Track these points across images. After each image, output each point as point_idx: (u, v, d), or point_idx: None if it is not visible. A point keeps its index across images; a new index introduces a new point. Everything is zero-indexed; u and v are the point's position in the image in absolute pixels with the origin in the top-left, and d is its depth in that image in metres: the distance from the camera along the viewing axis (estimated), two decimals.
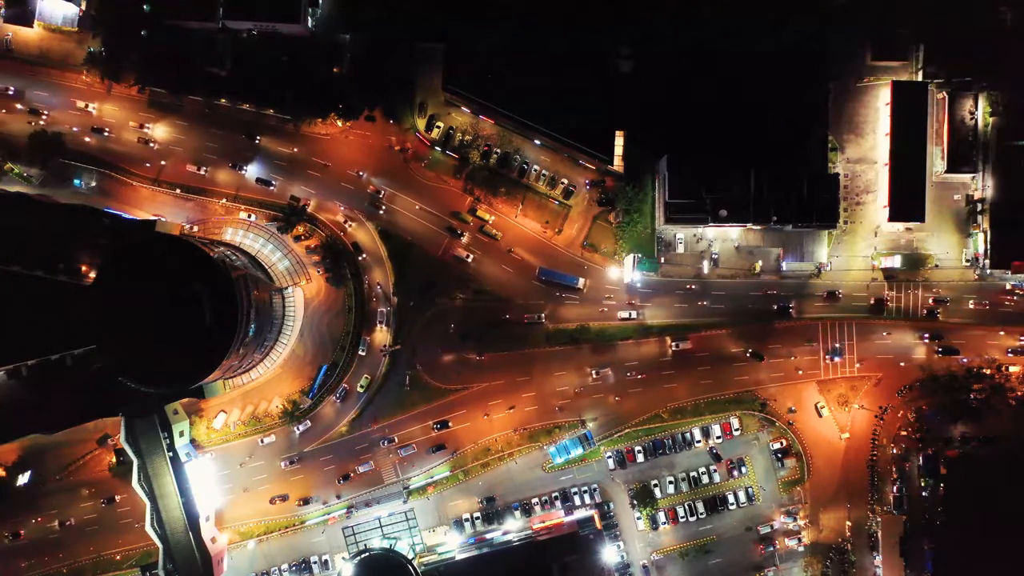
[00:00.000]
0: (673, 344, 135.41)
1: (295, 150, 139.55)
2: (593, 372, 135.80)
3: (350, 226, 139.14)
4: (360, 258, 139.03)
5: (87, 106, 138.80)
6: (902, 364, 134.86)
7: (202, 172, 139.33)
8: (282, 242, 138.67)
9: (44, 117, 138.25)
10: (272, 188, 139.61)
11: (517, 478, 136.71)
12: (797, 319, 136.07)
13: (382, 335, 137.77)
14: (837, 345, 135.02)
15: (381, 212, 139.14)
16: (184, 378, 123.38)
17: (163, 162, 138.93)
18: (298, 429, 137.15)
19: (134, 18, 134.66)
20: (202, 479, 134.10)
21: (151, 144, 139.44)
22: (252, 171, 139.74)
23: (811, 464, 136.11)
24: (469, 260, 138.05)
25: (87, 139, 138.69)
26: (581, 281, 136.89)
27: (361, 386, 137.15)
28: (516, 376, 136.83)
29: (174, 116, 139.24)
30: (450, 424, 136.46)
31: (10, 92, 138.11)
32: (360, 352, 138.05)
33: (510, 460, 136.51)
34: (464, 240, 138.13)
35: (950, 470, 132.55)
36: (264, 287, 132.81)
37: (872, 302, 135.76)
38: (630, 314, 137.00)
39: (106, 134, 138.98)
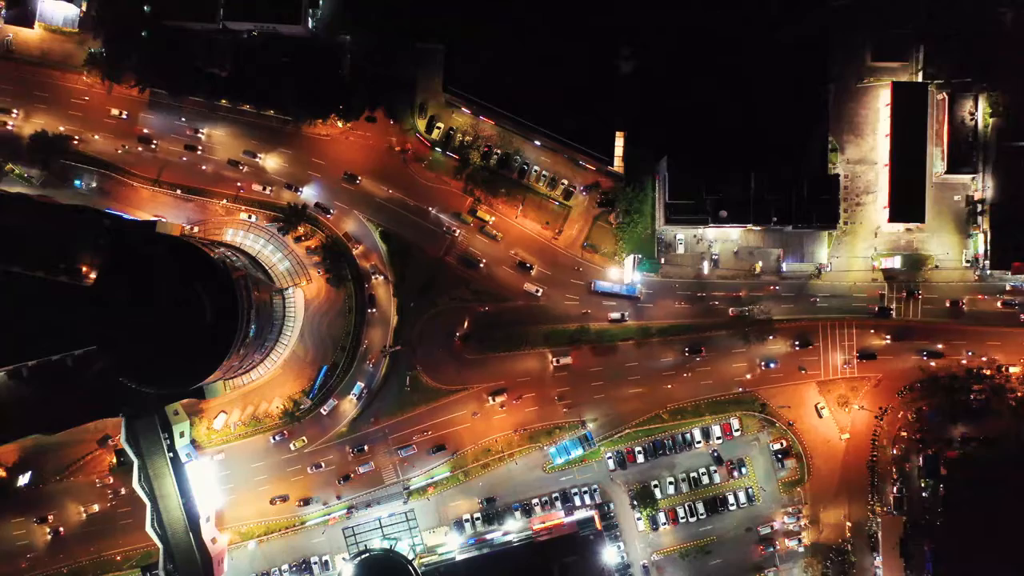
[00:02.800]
0: (554, 360, 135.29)
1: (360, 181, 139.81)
2: (554, 360, 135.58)
3: (376, 278, 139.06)
4: (370, 312, 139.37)
5: (196, 131, 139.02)
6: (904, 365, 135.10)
7: (267, 191, 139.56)
8: (282, 243, 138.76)
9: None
10: (330, 216, 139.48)
11: (517, 479, 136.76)
12: (793, 320, 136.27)
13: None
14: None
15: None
16: (184, 379, 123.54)
17: (239, 185, 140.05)
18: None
19: (135, 19, 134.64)
20: (202, 480, 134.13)
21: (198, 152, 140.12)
22: (308, 194, 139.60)
23: (811, 465, 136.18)
24: (539, 294, 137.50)
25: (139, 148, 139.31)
26: (639, 289, 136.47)
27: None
28: (516, 376, 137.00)
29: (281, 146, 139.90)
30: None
31: (123, 116, 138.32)
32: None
33: (510, 461, 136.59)
34: (532, 274, 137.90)
35: (950, 471, 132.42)
36: (264, 288, 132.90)
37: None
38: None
39: (153, 145, 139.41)
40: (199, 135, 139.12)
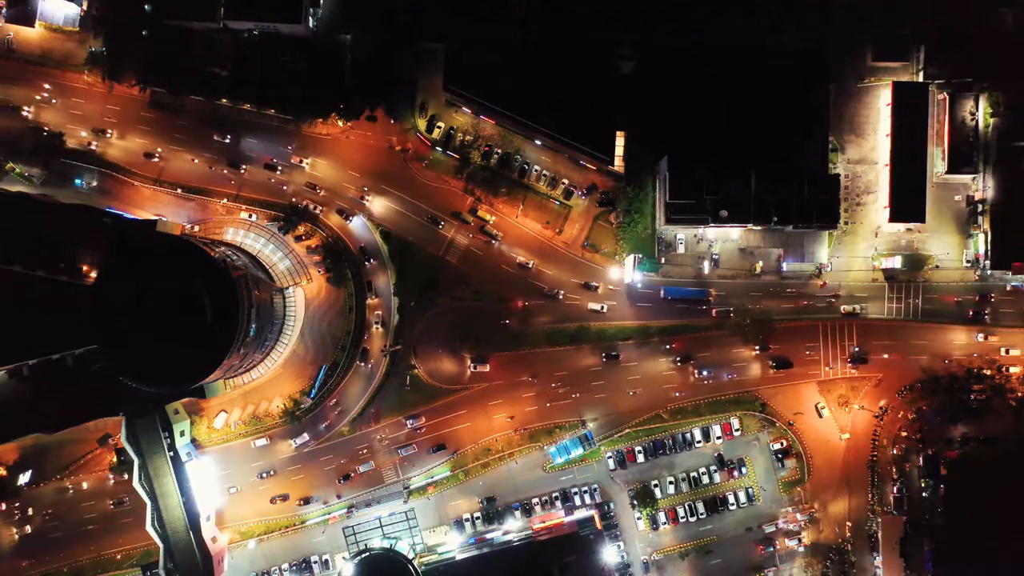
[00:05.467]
0: (472, 366, 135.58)
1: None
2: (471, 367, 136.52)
3: (377, 327, 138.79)
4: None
5: (301, 161, 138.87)
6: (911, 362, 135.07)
7: (306, 204, 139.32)
8: (283, 242, 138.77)
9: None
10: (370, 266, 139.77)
11: (517, 478, 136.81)
12: (799, 319, 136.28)
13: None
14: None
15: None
16: (185, 378, 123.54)
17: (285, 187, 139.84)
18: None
19: (135, 18, 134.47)
20: (202, 478, 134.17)
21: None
22: (357, 224, 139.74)
23: (811, 465, 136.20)
24: (605, 311, 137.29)
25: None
26: (712, 292, 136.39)
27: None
28: (517, 376, 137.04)
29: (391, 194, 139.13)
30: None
31: (226, 140, 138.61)
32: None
33: (510, 460, 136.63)
34: (598, 292, 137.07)
35: (950, 471, 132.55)
36: (265, 287, 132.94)
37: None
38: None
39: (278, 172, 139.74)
40: (303, 164, 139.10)
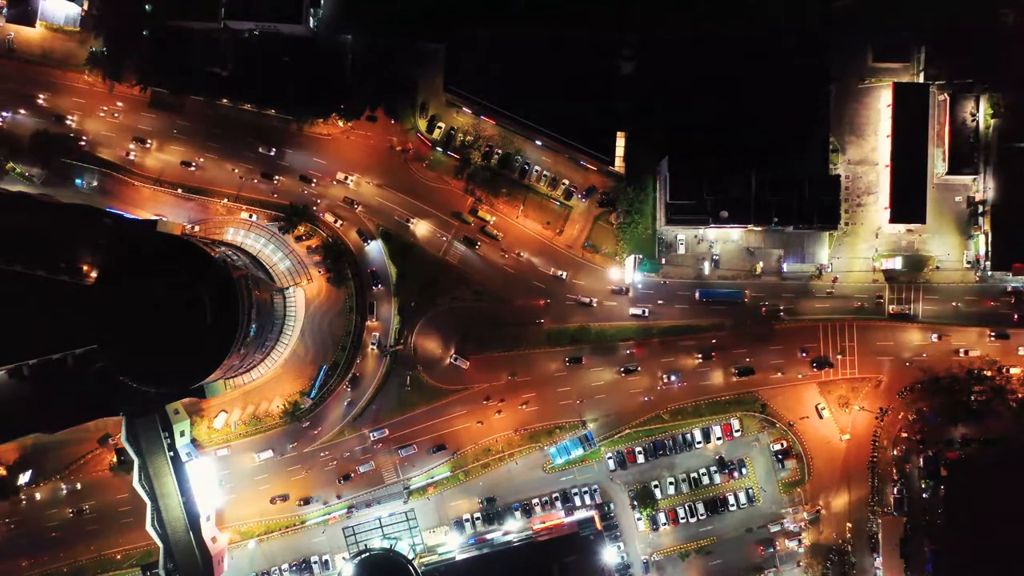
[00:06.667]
0: (453, 357, 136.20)
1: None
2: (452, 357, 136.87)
3: (373, 349, 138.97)
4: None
5: (346, 178, 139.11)
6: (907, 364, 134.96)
7: (348, 215, 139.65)
8: (283, 242, 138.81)
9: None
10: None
11: (517, 479, 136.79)
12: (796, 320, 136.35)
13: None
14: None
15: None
16: (185, 378, 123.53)
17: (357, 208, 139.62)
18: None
19: (136, 18, 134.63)
20: (202, 479, 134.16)
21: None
22: (373, 248, 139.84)
23: (811, 465, 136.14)
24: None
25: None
26: (747, 293, 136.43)
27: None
28: (517, 377, 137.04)
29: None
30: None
31: (271, 153, 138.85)
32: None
33: (510, 461, 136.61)
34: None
35: (951, 472, 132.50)
36: (265, 287, 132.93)
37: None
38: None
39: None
40: (348, 180, 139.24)
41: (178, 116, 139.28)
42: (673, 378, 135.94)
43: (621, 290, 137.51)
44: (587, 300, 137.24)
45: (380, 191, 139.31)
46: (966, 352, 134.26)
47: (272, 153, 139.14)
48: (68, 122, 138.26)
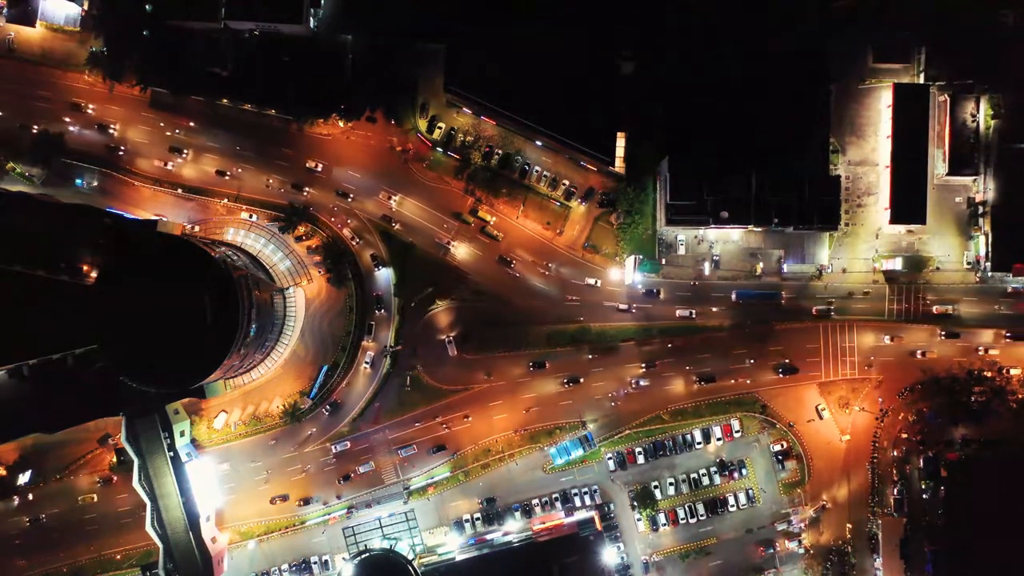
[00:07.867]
0: (448, 339, 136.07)
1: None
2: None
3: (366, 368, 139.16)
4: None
5: (390, 198, 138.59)
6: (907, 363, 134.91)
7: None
8: (283, 242, 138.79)
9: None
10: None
11: (517, 479, 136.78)
12: (797, 322, 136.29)
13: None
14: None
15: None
16: (185, 378, 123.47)
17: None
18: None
19: (136, 18, 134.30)
20: (202, 479, 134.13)
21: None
22: (383, 275, 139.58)
23: (811, 466, 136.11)
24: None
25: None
26: (783, 293, 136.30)
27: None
28: (517, 377, 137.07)
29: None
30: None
31: (318, 169, 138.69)
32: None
33: (510, 461, 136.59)
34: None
35: (951, 472, 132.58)
36: (265, 287, 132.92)
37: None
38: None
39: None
40: (392, 200, 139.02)
41: (217, 127, 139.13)
42: (642, 383, 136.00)
43: (629, 308, 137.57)
44: (625, 307, 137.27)
45: (421, 210, 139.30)
46: (986, 350, 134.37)
47: (319, 169, 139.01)
48: (112, 131, 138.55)
